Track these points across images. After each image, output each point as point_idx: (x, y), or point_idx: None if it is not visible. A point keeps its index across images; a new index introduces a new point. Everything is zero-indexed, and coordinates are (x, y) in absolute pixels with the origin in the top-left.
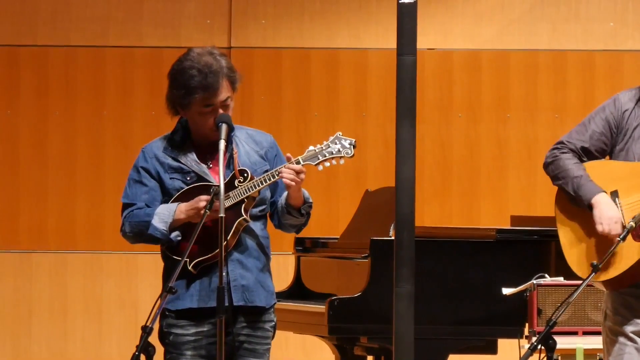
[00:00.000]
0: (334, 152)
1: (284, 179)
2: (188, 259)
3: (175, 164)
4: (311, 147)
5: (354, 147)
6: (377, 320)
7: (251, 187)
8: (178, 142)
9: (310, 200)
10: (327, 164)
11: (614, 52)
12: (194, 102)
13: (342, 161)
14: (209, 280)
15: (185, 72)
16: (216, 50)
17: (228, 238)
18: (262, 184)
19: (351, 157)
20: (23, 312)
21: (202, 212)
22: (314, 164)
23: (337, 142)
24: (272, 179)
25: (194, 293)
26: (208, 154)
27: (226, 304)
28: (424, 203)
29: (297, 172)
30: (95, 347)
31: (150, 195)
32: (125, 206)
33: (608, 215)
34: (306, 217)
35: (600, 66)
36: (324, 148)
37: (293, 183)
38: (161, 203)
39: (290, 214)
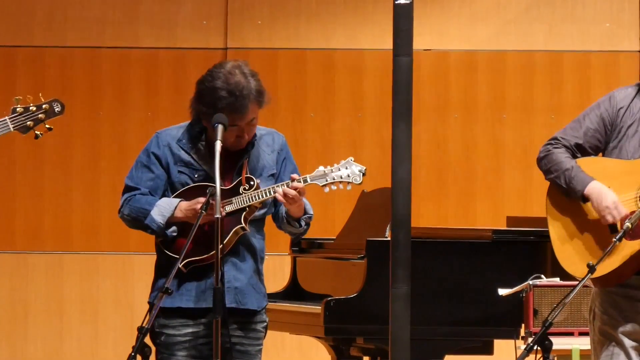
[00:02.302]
0: (342, 177)
1: (278, 198)
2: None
3: (187, 158)
4: (321, 168)
5: (364, 174)
6: (374, 320)
7: (254, 197)
8: (195, 136)
9: (311, 212)
10: (334, 187)
11: (610, 52)
12: None
13: (349, 187)
14: (201, 280)
15: (215, 91)
16: (247, 68)
17: (224, 242)
18: (264, 196)
19: (359, 184)
20: (19, 313)
21: (199, 212)
22: (320, 184)
23: (347, 167)
24: (272, 194)
25: (185, 293)
26: (225, 157)
27: None
28: (420, 204)
29: (299, 192)
30: (91, 347)
31: (155, 183)
32: (128, 188)
33: (606, 204)
34: (305, 228)
35: (596, 67)
36: (333, 170)
37: (290, 206)
38: (163, 194)
39: (289, 224)
